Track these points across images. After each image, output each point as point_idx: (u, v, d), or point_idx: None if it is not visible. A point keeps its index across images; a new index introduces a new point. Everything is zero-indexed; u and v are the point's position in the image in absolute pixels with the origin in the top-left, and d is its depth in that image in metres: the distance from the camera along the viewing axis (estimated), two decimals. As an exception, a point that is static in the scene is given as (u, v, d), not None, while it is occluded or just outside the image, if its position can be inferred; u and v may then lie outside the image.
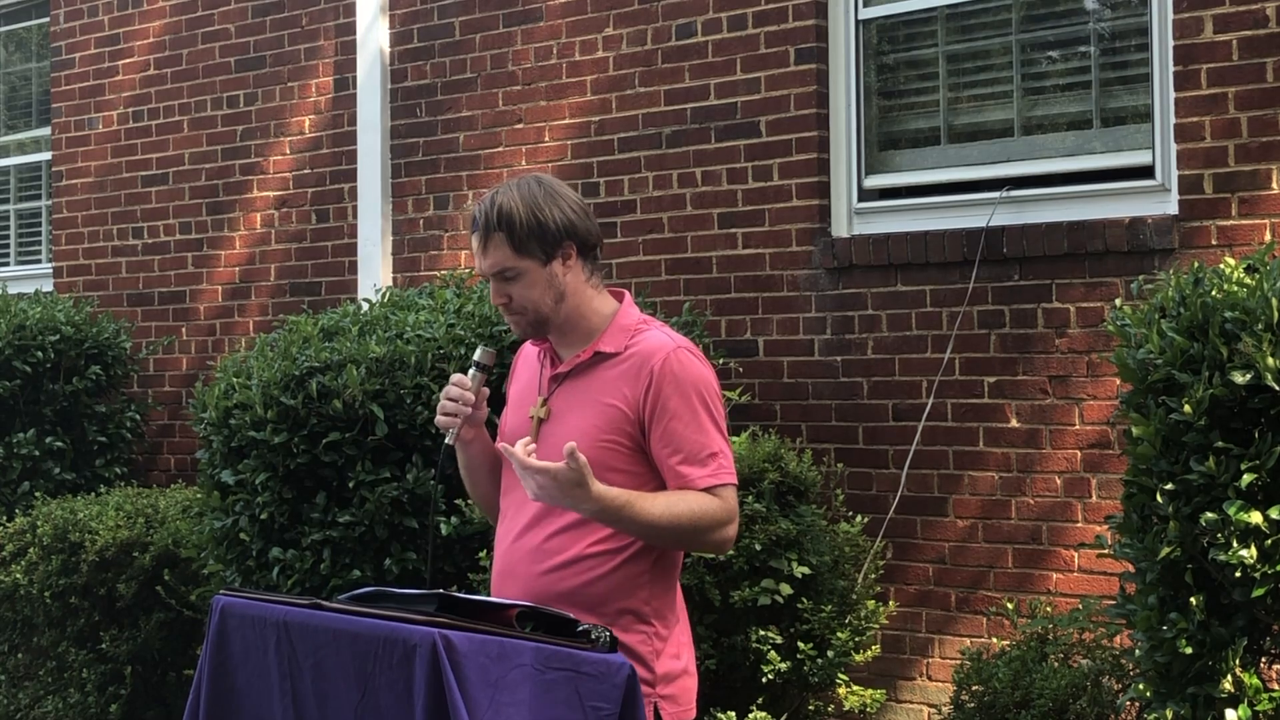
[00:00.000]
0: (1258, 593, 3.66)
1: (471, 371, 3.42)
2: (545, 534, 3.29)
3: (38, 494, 7.29)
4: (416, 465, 5.35)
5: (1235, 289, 3.84)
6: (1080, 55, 5.82)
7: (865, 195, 6.18)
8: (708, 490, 3.24)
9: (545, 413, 3.37)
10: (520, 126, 7.00)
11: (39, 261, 9.22)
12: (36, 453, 7.59)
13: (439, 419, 3.39)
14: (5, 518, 7.32)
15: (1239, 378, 3.69)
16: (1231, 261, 4.04)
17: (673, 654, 3.32)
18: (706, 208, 6.43)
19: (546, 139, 6.91)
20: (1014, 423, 5.68)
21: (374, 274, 7.41)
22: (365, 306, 5.98)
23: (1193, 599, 3.80)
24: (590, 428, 3.28)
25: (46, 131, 9.07)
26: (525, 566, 3.30)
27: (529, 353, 3.53)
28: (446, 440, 3.41)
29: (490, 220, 3.29)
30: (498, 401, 3.59)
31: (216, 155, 8.09)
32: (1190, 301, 3.88)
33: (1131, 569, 4.04)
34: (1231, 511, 3.65)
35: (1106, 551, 4.21)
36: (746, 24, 6.34)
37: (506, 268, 3.30)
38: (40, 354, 7.64)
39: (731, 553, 5.09)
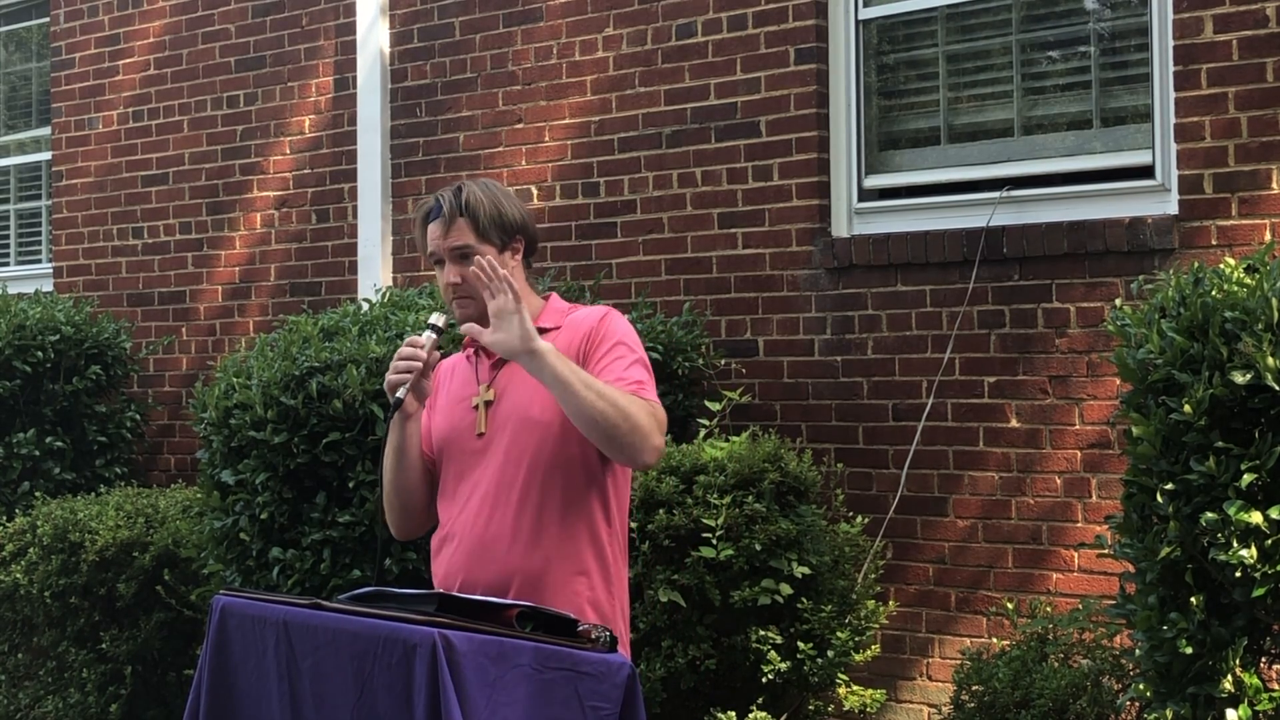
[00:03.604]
0: (1258, 593, 3.66)
1: (426, 333, 3.53)
2: (516, 512, 3.39)
3: (38, 494, 7.29)
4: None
5: (1235, 289, 3.84)
6: (1080, 55, 5.82)
7: (865, 195, 6.18)
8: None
9: (491, 395, 3.50)
10: (520, 126, 7.00)
11: (39, 261, 9.22)
12: (36, 453, 7.59)
13: (390, 378, 3.50)
14: (5, 518, 7.31)
15: (1239, 378, 3.69)
16: (1231, 261, 4.04)
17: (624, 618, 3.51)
18: (706, 208, 6.43)
19: (546, 139, 6.91)
20: (1014, 423, 5.68)
21: (374, 274, 7.41)
22: (365, 306, 5.98)
23: (1193, 599, 3.80)
24: (540, 393, 3.38)
25: (46, 131, 9.07)
26: (502, 545, 3.39)
27: (449, 367, 3.67)
28: (398, 394, 3.49)
29: (455, 206, 3.54)
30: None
31: (216, 155, 8.09)
32: (1190, 301, 3.88)
33: (1131, 569, 4.04)
34: (1231, 511, 3.65)
35: (1106, 551, 4.22)
36: (746, 24, 6.34)
37: (468, 245, 3.50)
38: (40, 354, 7.64)
39: (731, 552, 5.09)
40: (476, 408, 3.50)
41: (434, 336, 3.52)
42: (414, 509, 3.61)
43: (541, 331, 3.46)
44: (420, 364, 3.48)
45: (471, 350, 3.60)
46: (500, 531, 3.39)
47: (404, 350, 3.50)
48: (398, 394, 3.48)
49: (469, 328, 3.40)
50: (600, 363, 3.40)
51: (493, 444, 3.44)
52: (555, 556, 3.37)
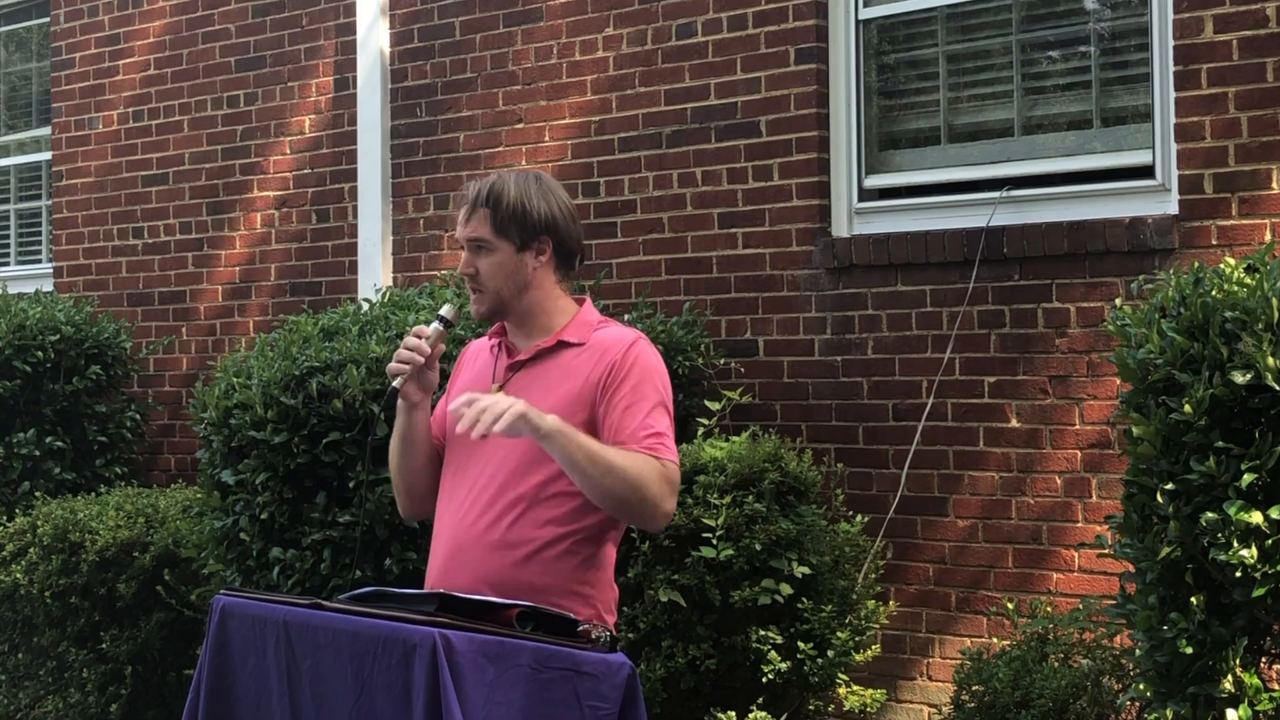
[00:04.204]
0: (1258, 593, 3.66)
1: (434, 325, 3.48)
2: (501, 519, 3.35)
3: (38, 494, 7.29)
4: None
5: (1235, 289, 3.84)
6: (1080, 55, 5.82)
7: (865, 195, 6.18)
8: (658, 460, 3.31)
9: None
10: (520, 126, 7.00)
11: (39, 261, 9.22)
12: (36, 453, 7.58)
13: (390, 365, 3.46)
14: (5, 518, 7.31)
15: (1239, 378, 3.69)
16: (1232, 261, 4.04)
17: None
18: (706, 208, 6.43)
19: (546, 139, 6.91)
20: (1014, 423, 5.68)
21: (374, 274, 7.41)
22: (365, 306, 5.98)
23: (1193, 599, 3.80)
24: (548, 409, 3.32)
25: (46, 131, 9.07)
26: (480, 550, 3.36)
27: (476, 350, 3.63)
28: (394, 384, 3.45)
29: (480, 195, 3.44)
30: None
31: (216, 155, 8.09)
32: (1190, 301, 3.88)
33: (1132, 569, 4.04)
34: (1232, 511, 3.65)
35: (1107, 551, 4.21)
36: (746, 24, 6.34)
37: (483, 239, 3.43)
38: (40, 354, 7.64)
39: (731, 552, 5.09)
40: None
41: (441, 329, 3.47)
42: (419, 493, 3.59)
43: (561, 345, 3.42)
44: (421, 358, 3.43)
45: (497, 341, 3.54)
46: (477, 538, 3.36)
47: (408, 340, 3.45)
48: (394, 384, 3.45)
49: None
50: (620, 403, 3.33)
51: (490, 448, 3.39)
52: (532, 571, 3.31)
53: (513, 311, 3.47)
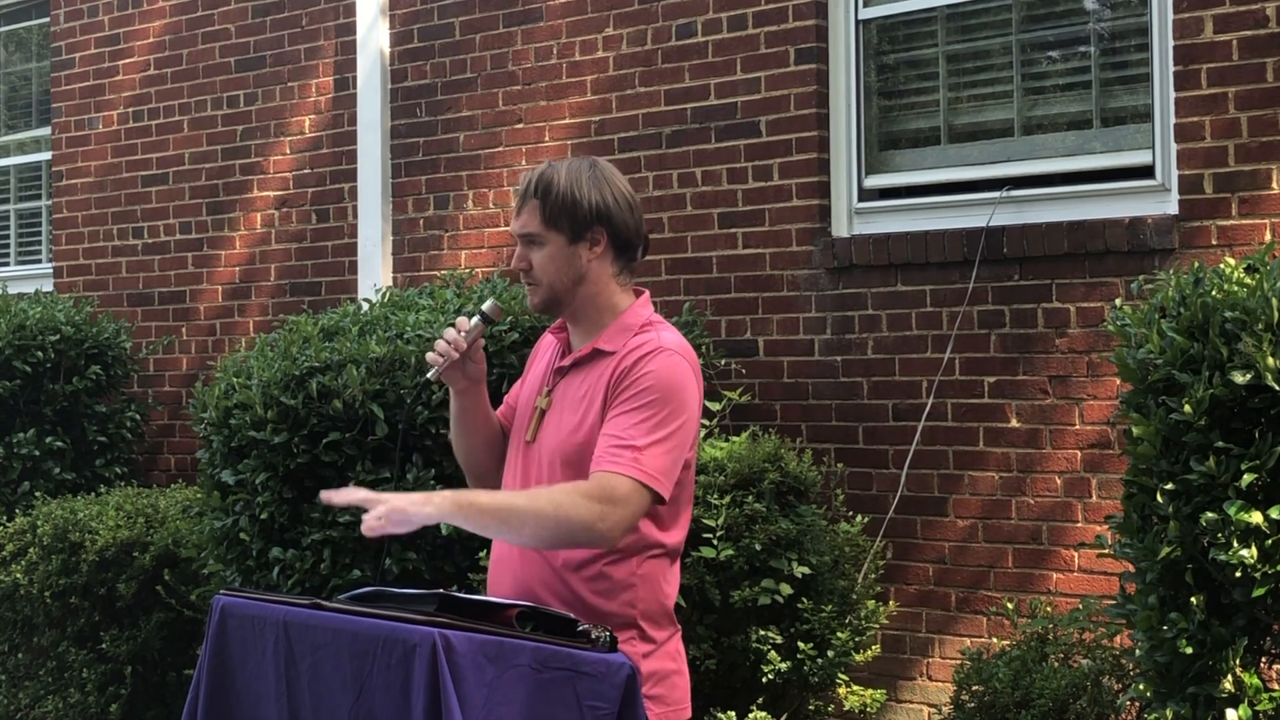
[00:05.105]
0: (1258, 593, 3.66)
1: (474, 319, 3.40)
2: None
3: (38, 494, 7.29)
4: (417, 465, 5.35)
5: (1235, 289, 3.84)
6: (1080, 55, 5.82)
7: (865, 195, 6.18)
8: (596, 472, 3.17)
9: (547, 404, 3.38)
10: (520, 126, 7.00)
11: (39, 261, 9.22)
12: (36, 453, 7.59)
13: (429, 355, 3.39)
14: (5, 518, 7.32)
15: (1239, 378, 3.69)
16: (1231, 261, 4.04)
17: (663, 653, 3.31)
18: (706, 208, 6.43)
19: (546, 139, 6.91)
20: (1014, 423, 5.68)
21: (374, 274, 7.41)
22: (365, 306, 5.98)
23: (1193, 599, 3.80)
24: (573, 426, 3.29)
25: (46, 131, 9.07)
26: (518, 558, 3.31)
27: (546, 345, 3.53)
28: (428, 375, 3.40)
29: (530, 186, 3.32)
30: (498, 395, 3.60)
31: (216, 155, 8.09)
32: (1190, 301, 3.88)
33: (1131, 569, 4.04)
34: (1232, 511, 3.65)
35: (1107, 551, 4.22)
36: (746, 24, 6.34)
37: (533, 233, 3.31)
38: (40, 354, 7.65)
39: (731, 552, 5.09)
40: (536, 409, 3.39)
41: (480, 324, 3.40)
42: (479, 472, 3.54)
43: (596, 354, 3.31)
44: (457, 354, 3.35)
45: (556, 338, 3.45)
46: (511, 546, 3.31)
47: (447, 333, 3.37)
48: (428, 375, 3.40)
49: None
50: (612, 410, 3.21)
51: (534, 454, 3.34)
52: (561, 582, 3.24)
53: (567, 305, 3.36)
